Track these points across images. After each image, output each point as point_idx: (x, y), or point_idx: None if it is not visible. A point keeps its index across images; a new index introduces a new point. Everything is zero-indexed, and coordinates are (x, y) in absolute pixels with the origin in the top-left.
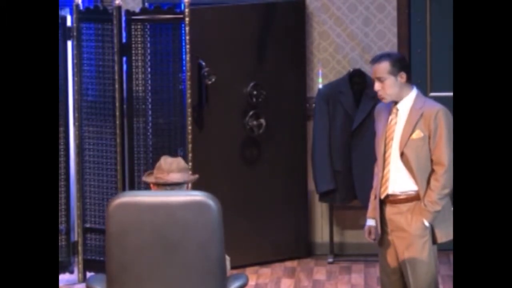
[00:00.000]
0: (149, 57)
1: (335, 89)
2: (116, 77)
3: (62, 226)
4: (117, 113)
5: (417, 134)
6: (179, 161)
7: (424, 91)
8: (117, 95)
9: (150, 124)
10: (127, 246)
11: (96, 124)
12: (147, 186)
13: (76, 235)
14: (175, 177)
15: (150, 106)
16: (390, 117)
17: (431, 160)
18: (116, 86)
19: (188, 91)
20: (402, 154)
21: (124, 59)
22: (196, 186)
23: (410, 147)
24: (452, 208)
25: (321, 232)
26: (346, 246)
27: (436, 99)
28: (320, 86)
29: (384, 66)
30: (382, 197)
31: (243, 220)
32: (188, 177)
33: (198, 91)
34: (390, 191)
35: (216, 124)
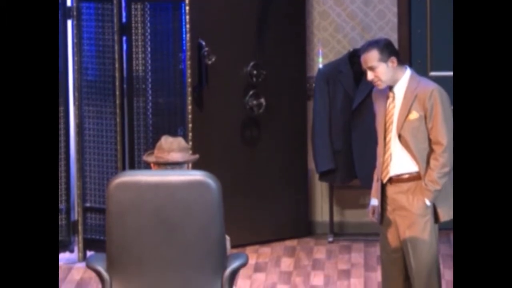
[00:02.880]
0: (149, 37)
1: (335, 68)
2: (116, 56)
3: (62, 205)
4: (117, 93)
5: (413, 115)
6: (179, 141)
7: (424, 70)
8: (117, 74)
9: (150, 103)
10: (127, 226)
11: (96, 104)
12: (147, 166)
13: (76, 214)
14: (175, 156)
15: (150, 86)
16: (388, 102)
17: (430, 140)
18: (116, 65)
19: (188, 71)
20: (399, 136)
21: (124, 38)
22: (196, 165)
23: (407, 129)
24: (452, 185)
25: (321, 211)
26: (346, 225)
27: (436, 78)
28: (320, 65)
29: (373, 55)
30: (384, 181)
31: (243, 200)
32: (189, 157)
33: (198, 71)
34: (391, 173)
35: (216, 103)
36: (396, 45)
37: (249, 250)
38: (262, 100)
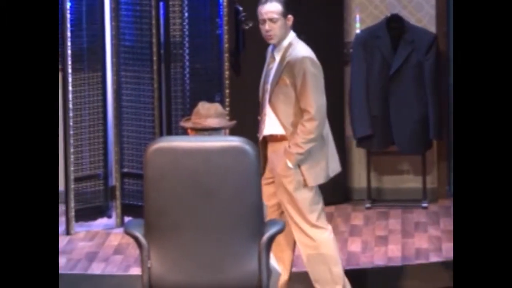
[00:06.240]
0: (186, 2)
1: (373, 34)
2: (154, 22)
3: (100, 171)
4: (154, 58)
5: (283, 81)
6: (216, 107)
7: None
8: (154, 40)
9: (187, 69)
10: (164, 191)
11: (134, 69)
12: (184, 132)
13: (114, 180)
14: (212, 122)
15: (187, 51)
16: (269, 61)
17: (300, 108)
18: (154, 31)
19: (225, 36)
20: (270, 101)
21: (162, 4)
22: (233, 131)
23: (276, 94)
24: (324, 153)
25: (359, 177)
26: (384, 191)
27: None
28: (358, 31)
29: (277, 7)
30: (260, 139)
31: None
32: (226, 123)
33: (235, 36)
34: (264, 133)
35: (253, 69)
36: (433, 11)
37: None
38: None
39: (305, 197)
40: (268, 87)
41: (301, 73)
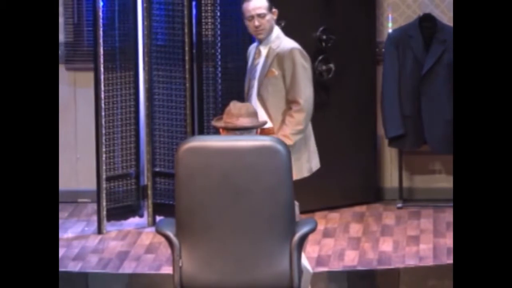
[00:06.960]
0: (218, 1)
1: (405, 33)
2: (186, 21)
3: (131, 170)
4: (187, 58)
5: (271, 73)
6: (248, 106)
7: None
8: (186, 39)
9: (219, 68)
10: (196, 190)
11: (166, 69)
12: (216, 131)
13: (145, 179)
14: (244, 121)
15: (219, 51)
16: (255, 57)
17: (287, 99)
18: (186, 30)
19: None
20: (258, 94)
21: (194, 3)
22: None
23: (265, 86)
24: (307, 147)
25: (390, 177)
26: (415, 191)
27: None
28: (390, 30)
29: (264, 2)
30: None
31: None
32: (257, 122)
33: None
34: None
35: None
36: None
37: (318, 215)
38: (332, 65)
39: None
40: (255, 82)
41: (291, 64)
